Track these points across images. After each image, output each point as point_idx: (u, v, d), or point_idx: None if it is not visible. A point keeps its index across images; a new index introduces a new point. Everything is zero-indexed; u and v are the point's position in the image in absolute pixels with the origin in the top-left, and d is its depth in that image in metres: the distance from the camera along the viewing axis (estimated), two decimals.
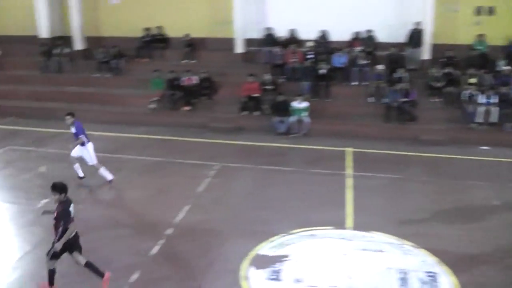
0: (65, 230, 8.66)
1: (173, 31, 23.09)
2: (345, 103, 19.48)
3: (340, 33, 21.11)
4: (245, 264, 9.89)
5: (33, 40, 24.50)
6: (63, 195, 8.77)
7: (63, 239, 8.63)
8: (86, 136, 13.84)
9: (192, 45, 22.66)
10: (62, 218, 8.66)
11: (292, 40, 21.58)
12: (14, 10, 25.50)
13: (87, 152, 13.89)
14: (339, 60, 20.32)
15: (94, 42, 24.01)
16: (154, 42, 23.27)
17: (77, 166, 14.18)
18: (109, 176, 14.11)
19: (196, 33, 22.63)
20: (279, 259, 10.05)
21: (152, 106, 19.91)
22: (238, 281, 9.37)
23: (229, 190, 13.69)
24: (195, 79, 20.08)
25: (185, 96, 19.85)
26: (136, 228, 11.47)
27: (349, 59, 20.31)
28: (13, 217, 12.43)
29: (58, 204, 8.77)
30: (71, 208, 8.84)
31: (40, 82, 23.24)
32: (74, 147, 13.94)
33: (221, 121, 18.93)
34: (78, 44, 24.09)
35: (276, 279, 9.46)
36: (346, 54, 20.43)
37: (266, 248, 10.46)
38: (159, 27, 23.29)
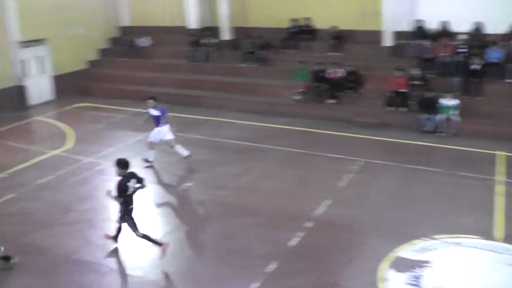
0: (119, 201, 9.66)
1: (321, 22, 22.78)
2: (499, 102, 17.96)
3: (496, 25, 19.51)
4: (384, 265, 9.43)
5: (182, 30, 25.49)
6: (123, 170, 9.72)
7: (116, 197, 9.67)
8: (166, 119, 14.54)
9: (339, 37, 22.25)
10: (117, 189, 9.61)
11: (444, 33, 20.31)
12: (165, 2, 26.73)
13: (161, 133, 14.53)
14: (494, 54, 18.76)
15: (241, 32, 24.46)
16: (301, 34, 23.14)
17: (151, 152, 14.87)
18: (185, 152, 14.61)
19: (343, 25, 22.17)
20: (420, 264, 9.46)
21: (297, 97, 19.81)
22: (375, 282, 8.97)
23: (371, 187, 13.16)
24: (340, 72, 19.66)
25: (330, 89, 19.52)
26: (275, 218, 11.39)
27: (505, 53, 18.73)
28: (157, 197, 12.96)
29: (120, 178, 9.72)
30: (130, 183, 9.69)
31: (187, 70, 24.08)
32: (167, 131, 14.56)
33: (365, 116, 18.35)
34: (225, 35, 24.65)
35: (416, 285, 8.90)
36: (502, 48, 18.85)
37: (407, 251, 9.90)
38: (307, 18, 23.11)
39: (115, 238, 10.38)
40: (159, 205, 12.49)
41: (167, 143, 14.70)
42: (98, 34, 26.70)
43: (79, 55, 25.61)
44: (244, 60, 22.96)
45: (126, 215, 9.85)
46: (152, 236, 9.97)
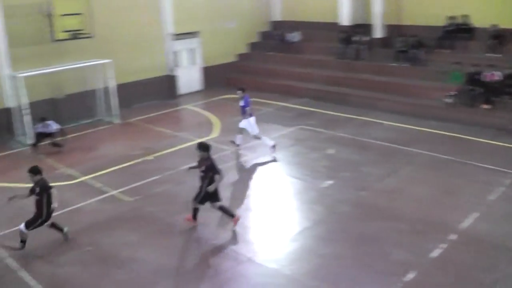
0: (212, 180, 10.55)
1: (479, 20, 21.33)
2: None
3: None
4: None
5: (333, 27, 25.24)
6: (206, 153, 10.74)
7: (214, 185, 10.53)
8: (251, 110, 15.55)
9: (499, 37, 20.66)
10: (211, 169, 10.56)
11: None
12: None
13: (249, 124, 15.48)
14: None
15: (393, 30, 23.68)
16: (458, 32, 21.87)
17: (239, 137, 15.91)
18: (270, 142, 15.58)
19: (505, 24, 20.55)
20: None
21: (448, 100, 18.80)
22: None
23: None
24: (498, 75, 18.32)
25: (485, 93, 18.25)
26: (418, 225, 10.86)
27: None
28: (297, 192, 12.96)
29: (204, 161, 10.74)
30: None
31: (336, 67, 23.83)
32: (254, 123, 15.65)
33: None
34: (377, 32, 24.03)
35: None
36: None
37: None
38: (465, 16, 21.77)
39: (194, 217, 11.09)
40: (300, 199, 12.46)
41: (254, 137, 15.75)
42: (249, 28, 27.33)
43: (229, 48, 26.46)
44: (395, 59, 22.26)
45: (207, 192, 10.70)
46: (227, 208, 11.03)
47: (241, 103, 15.60)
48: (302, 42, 26.08)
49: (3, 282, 9.53)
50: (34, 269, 9.83)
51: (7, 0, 18.07)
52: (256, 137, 15.73)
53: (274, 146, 15.57)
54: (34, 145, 16.90)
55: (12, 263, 10.06)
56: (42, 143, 16.86)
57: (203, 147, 10.82)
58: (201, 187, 10.82)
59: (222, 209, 10.99)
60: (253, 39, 27.77)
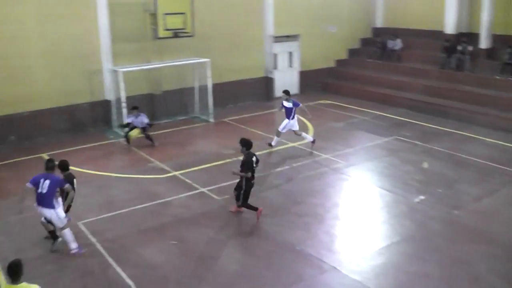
0: (247, 175, 11.38)
1: None
2: None
3: None
4: None
5: (436, 35, 24.43)
6: (244, 148, 11.47)
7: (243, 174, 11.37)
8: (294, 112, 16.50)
9: None
10: (244, 165, 11.35)
11: None
12: (423, 4, 25.84)
13: (291, 125, 16.54)
14: None
15: (501, 41, 22.54)
16: None
17: (304, 134, 17.03)
18: (310, 138, 17.01)
19: None
20: None
21: None
22: None
23: None
24: None
25: None
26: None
27: None
28: (387, 204, 12.63)
29: (244, 155, 11.53)
30: (253, 159, 11.50)
31: (437, 77, 23.04)
32: (295, 123, 16.67)
33: None
34: (483, 42, 22.93)
35: None
36: None
37: None
38: None
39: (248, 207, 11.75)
40: (389, 212, 12.16)
41: (295, 133, 16.77)
42: (349, 34, 26.97)
43: (328, 53, 26.26)
44: (502, 71, 21.23)
45: (247, 188, 11.53)
46: (250, 203, 11.67)
47: (287, 104, 16.45)
48: (402, 50, 25.42)
49: (91, 264, 10.00)
50: (119, 257, 10.22)
51: None
52: (296, 134, 16.88)
53: (313, 141, 16.93)
54: (126, 134, 17.41)
55: (99, 248, 10.54)
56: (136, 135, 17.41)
57: (246, 144, 11.61)
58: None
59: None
60: (353, 45, 27.40)
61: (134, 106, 17.28)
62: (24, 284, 6.60)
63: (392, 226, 11.53)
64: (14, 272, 6.56)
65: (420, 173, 14.42)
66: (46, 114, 18.31)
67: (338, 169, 14.91)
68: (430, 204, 12.45)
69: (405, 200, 12.73)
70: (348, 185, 13.96)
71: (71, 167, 10.87)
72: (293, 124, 16.58)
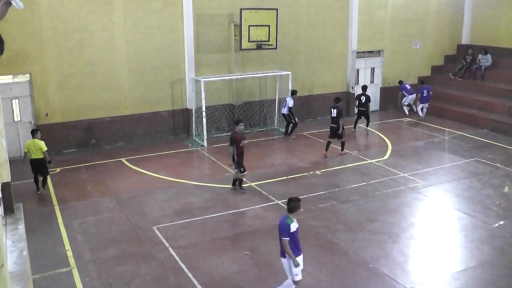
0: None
1: None
2: None
3: None
4: None
5: None
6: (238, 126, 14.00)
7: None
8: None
9: None
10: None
11: None
12: None
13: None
14: None
15: None
16: None
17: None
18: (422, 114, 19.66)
19: None
20: None
21: None
22: None
23: None
24: None
25: None
26: None
27: None
28: (465, 228, 12.40)
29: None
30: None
31: None
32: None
33: None
34: None
35: None
36: None
37: None
38: None
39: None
40: (466, 236, 11.96)
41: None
42: (433, 51, 26.55)
43: (410, 69, 25.92)
44: None
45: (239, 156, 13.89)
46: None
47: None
48: (488, 69, 24.74)
49: (165, 268, 10.41)
50: (191, 264, 10.58)
51: (198, 9, 19.50)
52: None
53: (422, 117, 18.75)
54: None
55: (172, 254, 10.97)
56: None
57: (237, 121, 14.28)
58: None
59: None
60: (437, 62, 26.91)
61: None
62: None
63: (469, 250, 11.33)
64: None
65: (501, 198, 14.08)
66: (128, 120, 19.13)
67: (415, 189, 14.79)
68: (510, 230, 12.15)
69: (484, 225, 12.47)
70: (425, 205, 13.82)
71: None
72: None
